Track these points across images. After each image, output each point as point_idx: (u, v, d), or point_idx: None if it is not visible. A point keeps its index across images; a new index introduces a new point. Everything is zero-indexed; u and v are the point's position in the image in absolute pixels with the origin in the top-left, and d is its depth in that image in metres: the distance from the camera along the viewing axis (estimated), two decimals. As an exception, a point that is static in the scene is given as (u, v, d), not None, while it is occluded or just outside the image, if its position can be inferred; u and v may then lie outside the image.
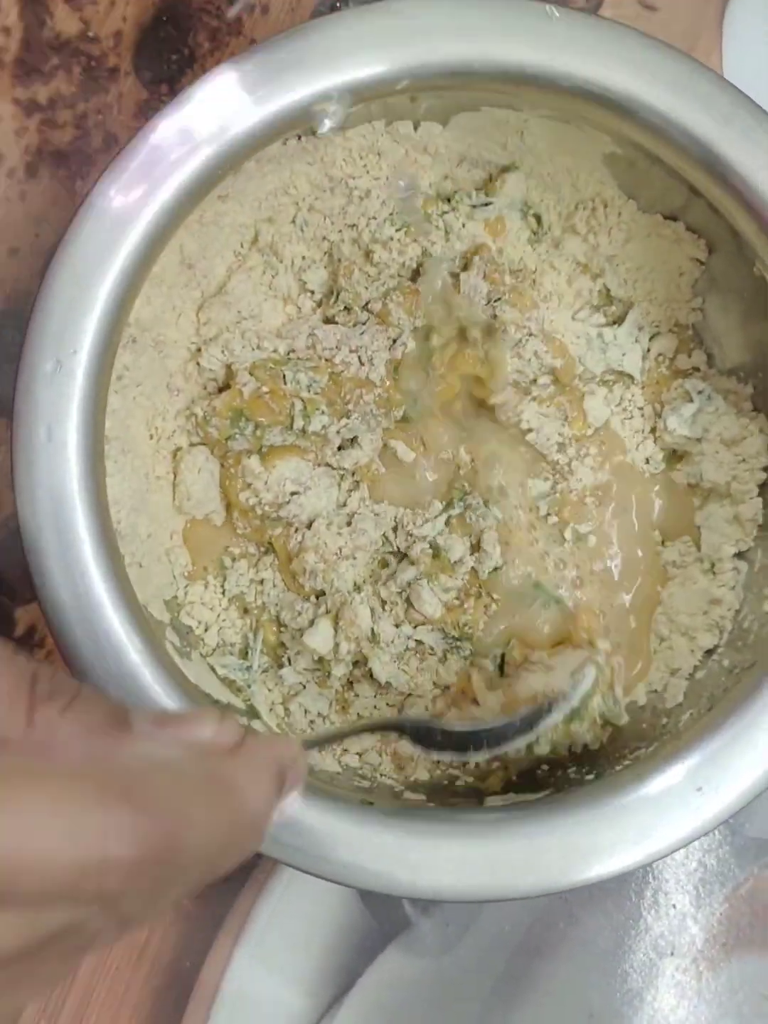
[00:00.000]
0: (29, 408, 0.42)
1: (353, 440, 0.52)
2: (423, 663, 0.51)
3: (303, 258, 0.53)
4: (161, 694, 0.42)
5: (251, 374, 0.51)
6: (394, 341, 0.52)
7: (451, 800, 0.48)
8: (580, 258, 0.53)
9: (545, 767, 0.50)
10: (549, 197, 0.53)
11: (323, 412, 0.51)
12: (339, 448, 0.52)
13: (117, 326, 0.44)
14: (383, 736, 0.50)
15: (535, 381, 0.52)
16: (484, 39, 0.45)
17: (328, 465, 0.52)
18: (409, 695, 0.51)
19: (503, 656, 0.51)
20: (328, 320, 0.53)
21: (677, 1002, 0.54)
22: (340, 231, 0.52)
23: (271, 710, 0.51)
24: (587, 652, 0.50)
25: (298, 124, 0.45)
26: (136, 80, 0.57)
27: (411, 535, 0.51)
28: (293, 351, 0.52)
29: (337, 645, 0.50)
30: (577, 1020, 0.54)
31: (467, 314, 0.52)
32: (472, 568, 0.51)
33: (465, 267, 0.52)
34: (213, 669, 0.49)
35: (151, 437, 0.51)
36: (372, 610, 0.50)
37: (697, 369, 0.53)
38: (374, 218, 0.52)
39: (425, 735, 0.45)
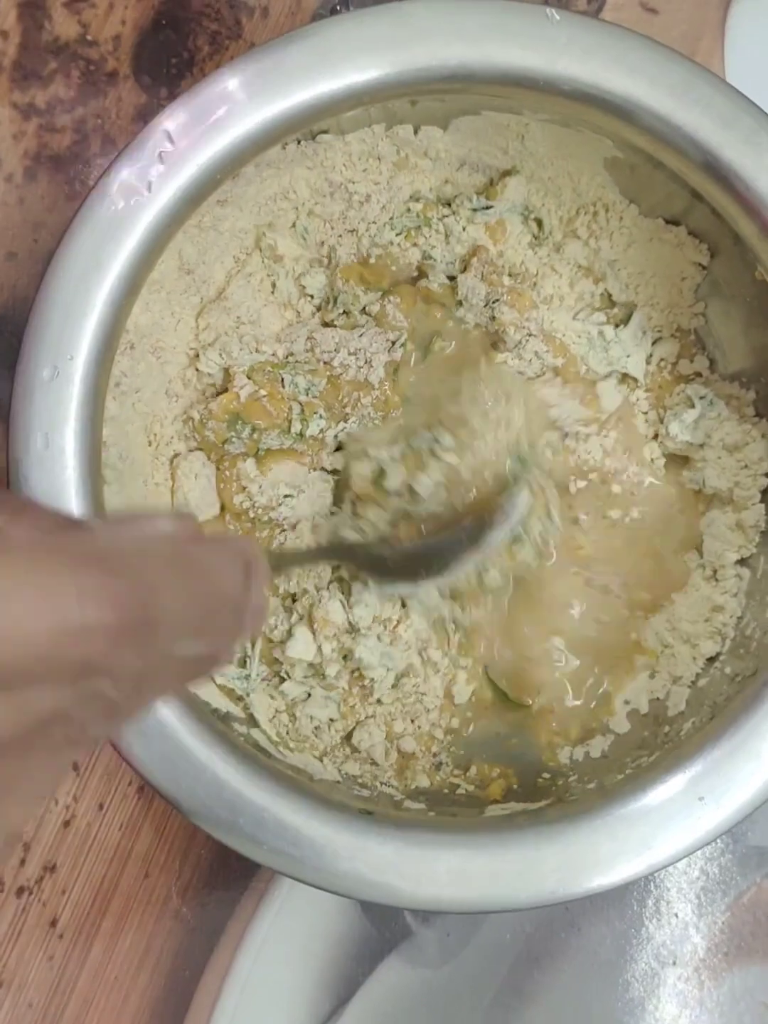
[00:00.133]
0: (26, 415, 0.42)
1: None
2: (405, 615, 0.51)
3: (303, 262, 0.53)
4: (159, 704, 0.42)
5: (249, 377, 0.51)
6: (393, 343, 0.51)
7: (451, 809, 0.48)
8: (582, 262, 0.53)
9: (546, 776, 0.49)
10: (550, 201, 0.53)
11: (321, 416, 0.51)
12: (336, 450, 0.52)
13: (115, 332, 0.44)
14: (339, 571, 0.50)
15: (540, 377, 0.52)
16: (485, 42, 0.44)
17: (323, 469, 0.52)
18: (407, 675, 0.51)
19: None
20: (327, 324, 0.53)
21: (679, 1012, 0.54)
22: (340, 236, 0.52)
23: (272, 719, 0.50)
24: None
25: (298, 128, 0.45)
26: (135, 84, 0.57)
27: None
28: (292, 355, 0.52)
29: (319, 648, 0.50)
30: (579, 1029, 0.53)
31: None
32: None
33: (463, 269, 0.52)
34: (212, 678, 0.49)
35: (149, 443, 0.51)
36: (342, 602, 0.50)
37: (699, 374, 0.53)
38: (374, 223, 0.52)
39: (378, 564, 0.47)
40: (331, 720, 0.51)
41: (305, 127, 0.45)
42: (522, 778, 0.50)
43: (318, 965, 0.53)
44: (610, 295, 0.53)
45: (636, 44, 0.45)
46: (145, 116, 0.56)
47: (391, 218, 0.52)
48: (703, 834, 0.42)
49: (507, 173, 0.52)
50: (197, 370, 0.51)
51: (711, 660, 0.50)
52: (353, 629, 0.50)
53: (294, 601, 0.51)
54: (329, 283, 0.53)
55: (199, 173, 0.43)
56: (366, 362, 0.51)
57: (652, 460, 0.53)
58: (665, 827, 0.42)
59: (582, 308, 0.54)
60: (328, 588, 0.51)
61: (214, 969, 0.53)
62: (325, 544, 0.51)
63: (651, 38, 0.45)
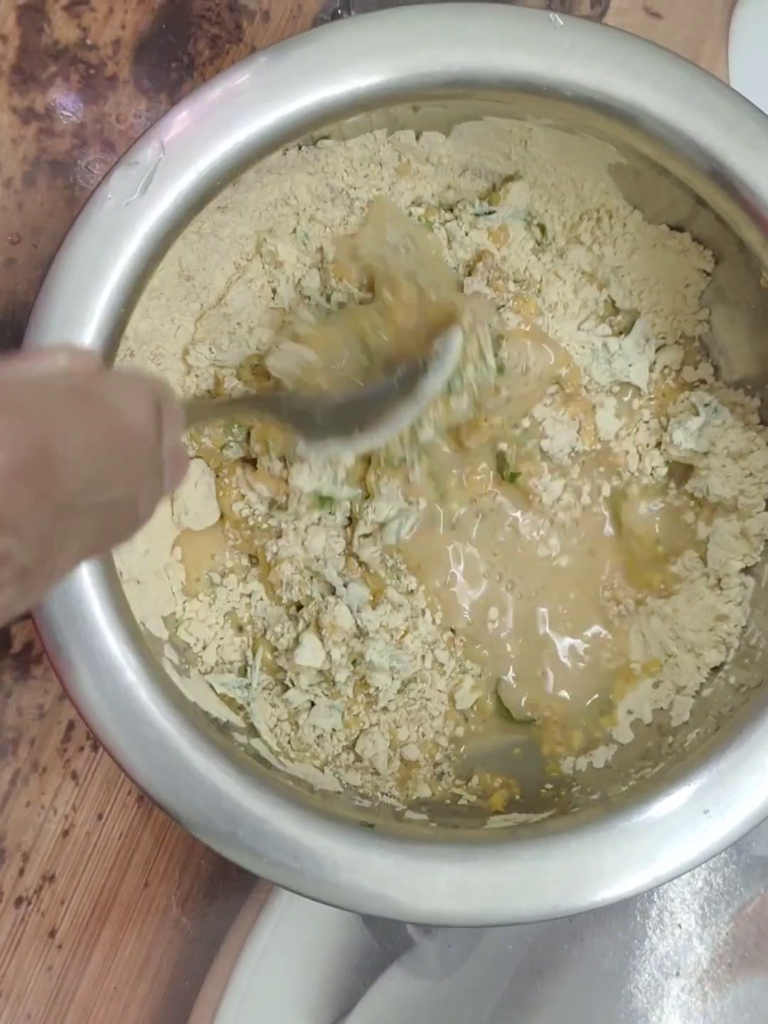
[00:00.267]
0: (25, 423, 0.41)
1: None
2: (412, 626, 0.51)
3: (303, 268, 0.52)
4: (159, 715, 0.41)
5: (238, 378, 0.50)
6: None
7: (453, 820, 0.47)
8: (585, 268, 0.53)
9: (549, 786, 0.49)
10: (553, 207, 0.52)
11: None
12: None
13: (114, 339, 0.43)
14: (264, 420, 0.48)
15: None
16: (487, 47, 0.44)
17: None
18: (414, 680, 0.51)
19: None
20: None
21: (682, 1023, 0.53)
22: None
23: (274, 728, 0.50)
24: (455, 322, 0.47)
25: (299, 134, 0.45)
26: (135, 88, 0.56)
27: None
28: None
29: (329, 654, 0.49)
30: (581, 1041, 0.53)
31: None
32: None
33: (468, 273, 0.52)
34: (212, 687, 0.49)
35: (149, 450, 0.50)
36: (349, 607, 0.50)
37: (704, 381, 0.52)
38: (375, 228, 0.52)
39: (305, 420, 0.44)
40: (334, 730, 0.51)
41: (306, 133, 0.45)
42: (525, 788, 0.50)
43: (319, 976, 0.53)
44: (613, 302, 0.53)
45: (640, 49, 0.44)
46: (145, 121, 0.56)
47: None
48: (708, 847, 0.41)
49: (510, 178, 0.52)
50: (188, 365, 0.51)
51: (715, 670, 0.49)
52: (362, 633, 0.50)
53: (299, 609, 0.51)
54: (323, 283, 0.52)
55: (199, 179, 0.43)
56: None
57: (652, 469, 0.53)
58: (669, 840, 0.41)
59: (587, 317, 0.53)
60: (333, 594, 0.51)
61: (214, 979, 0.53)
62: (251, 395, 0.48)
63: (655, 43, 0.45)
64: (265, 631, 0.51)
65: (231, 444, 0.51)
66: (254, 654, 0.51)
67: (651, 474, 0.53)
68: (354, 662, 0.50)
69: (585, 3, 0.57)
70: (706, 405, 0.51)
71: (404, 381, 0.45)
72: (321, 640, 0.50)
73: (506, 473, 0.52)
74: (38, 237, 0.55)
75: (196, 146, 0.43)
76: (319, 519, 0.51)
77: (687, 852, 0.41)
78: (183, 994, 0.53)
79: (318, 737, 0.51)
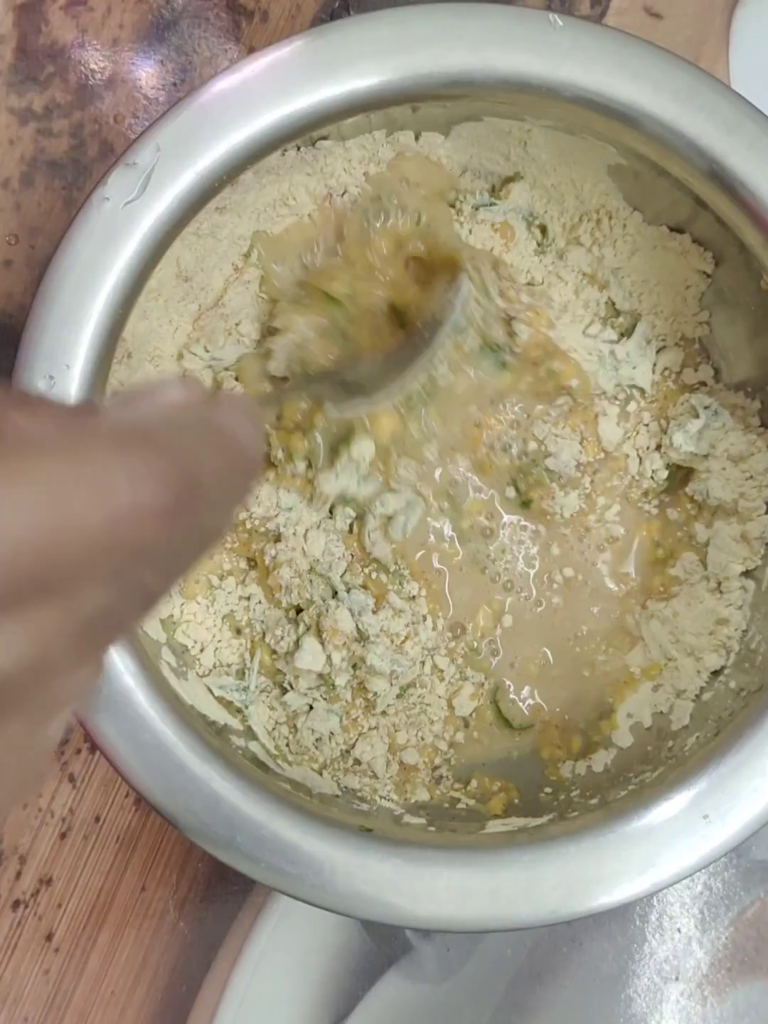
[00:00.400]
0: (22, 424, 0.41)
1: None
2: (413, 632, 0.51)
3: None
4: (156, 718, 0.41)
5: (237, 379, 0.50)
6: None
7: (452, 824, 0.47)
8: (585, 269, 0.53)
9: (548, 790, 0.49)
10: (553, 208, 0.52)
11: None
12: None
13: (112, 340, 0.43)
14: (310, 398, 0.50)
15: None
16: (487, 48, 0.44)
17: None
18: (413, 685, 0.51)
19: None
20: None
21: (682, 1028, 0.53)
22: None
23: (272, 731, 0.50)
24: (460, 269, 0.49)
25: (298, 134, 0.45)
26: (133, 89, 0.56)
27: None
28: None
29: (329, 657, 0.49)
30: (580, 1045, 0.53)
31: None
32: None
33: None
34: (209, 689, 0.49)
35: (147, 452, 0.50)
36: (351, 611, 0.50)
37: (704, 384, 0.52)
38: (374, 229, 0.51)
39: (343, 388, 0.47)
40: (332, 733, 0.50)
41: (305, 133, 0.45)
42: (523, 792, 0.50)
43: (317, 980, 0.52)
44: (614, 304, 0.53)
45: (640, 50, 0.44)
46: (143, 121, 0.56)
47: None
48: (707, 853, 0.41)
49: (510, 179, 0.52)
50: (184, 367, 0.51)
51: (715, 674, 0.49)
52: (363, 637, 0.50)
53: (299, 612, 0.51)
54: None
55: (198, 179, 0.43)
56: None
57: (652, 472, 0.53)
58: (669, 845, 0.41)
59: (591, 320, 0.53)
60: (334, 597, 0.50)
61: (211, 983, 0.52)
62: (300, 377, 0.49)
63: (655, 44, 0.44)
64: (264, 634, 0.51)
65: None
66: (252, 657, 0.50)
67: (651, 477, 0.53)
68: (354, 666, 0.50)
69: (585, 3, 0.57)
70: (706, 408, 0.51)
71: (425, 335, 0.48)
72: (322, 644, 0.49)
73: (519, 502, 0.52)
74: (36, 238, 0.55)
75: (194, 147, 0.43)
76: (319, 523, 0.51)
77: (687, 857, 0.41)
78: (180, 998, 0.53)
79: (316, 740, 0.51)
